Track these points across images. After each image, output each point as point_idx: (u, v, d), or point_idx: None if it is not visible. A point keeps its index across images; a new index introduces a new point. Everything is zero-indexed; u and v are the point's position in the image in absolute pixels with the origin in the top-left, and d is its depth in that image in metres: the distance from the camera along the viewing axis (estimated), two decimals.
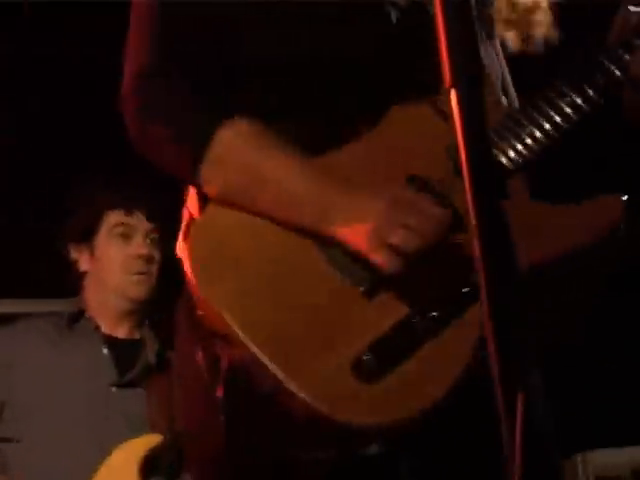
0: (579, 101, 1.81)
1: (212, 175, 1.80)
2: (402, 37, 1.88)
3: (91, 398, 3.26)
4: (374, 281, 1.72)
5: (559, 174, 2.04)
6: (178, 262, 1.84)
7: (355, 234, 1.71)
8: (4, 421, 3.24)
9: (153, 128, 1.84)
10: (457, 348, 1.69)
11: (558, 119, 1.80)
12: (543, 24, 1.98)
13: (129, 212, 3.42)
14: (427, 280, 1.73)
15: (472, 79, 1.22)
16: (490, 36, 1.94)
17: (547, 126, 1.80)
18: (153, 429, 3.20)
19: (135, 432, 3.20)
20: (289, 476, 1.74)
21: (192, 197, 1.91)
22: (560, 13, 2.01)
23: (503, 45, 2.00)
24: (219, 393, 1.72)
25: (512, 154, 1.79)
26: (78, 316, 3.42)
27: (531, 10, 1.96)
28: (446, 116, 1.82)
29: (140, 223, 3.43)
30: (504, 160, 1.79)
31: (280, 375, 1.62)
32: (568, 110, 1.81)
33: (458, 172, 1.69)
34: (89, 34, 3.89)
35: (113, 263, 3.41)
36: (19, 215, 4.05)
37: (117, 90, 1.92)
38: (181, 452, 3.03)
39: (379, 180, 1.79)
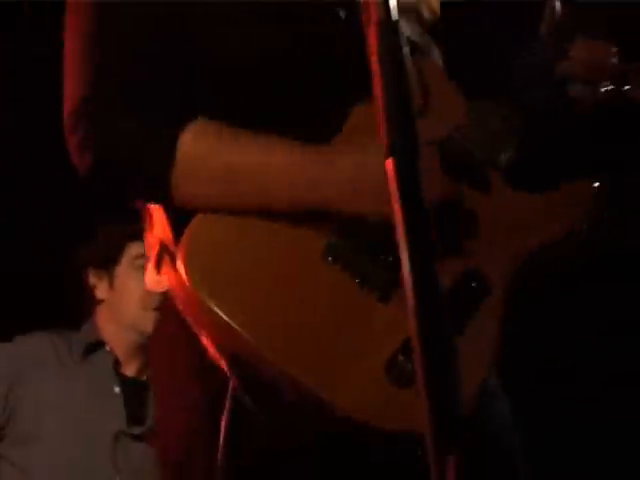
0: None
1: (186, 190, 1.75)
2: (351, 34, 1.88)
3: (98, 440, 3.24)
4: (387, 280, 1.71)
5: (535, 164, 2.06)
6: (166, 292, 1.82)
7: (355, 193, 1.70)
8: (7, 436, 3.23)
9: (109, 160, 1.78)
10: (480, 346, 1.71)
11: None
12: None
13: None
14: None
15: (409, 149, 1.22)
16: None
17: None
18: None
19: None
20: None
21: (159, 221, 1.87)
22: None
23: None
24: (224, 422, 1.70)
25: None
26: (97, 347, 3.39)
27: None
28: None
29: None
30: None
31: (315, 390, 1.61)
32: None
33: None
34: None
35: (131, 296, 3.37)
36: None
37: None
38: None
39: None
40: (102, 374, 3.35)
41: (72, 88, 1.83)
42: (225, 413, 1.70)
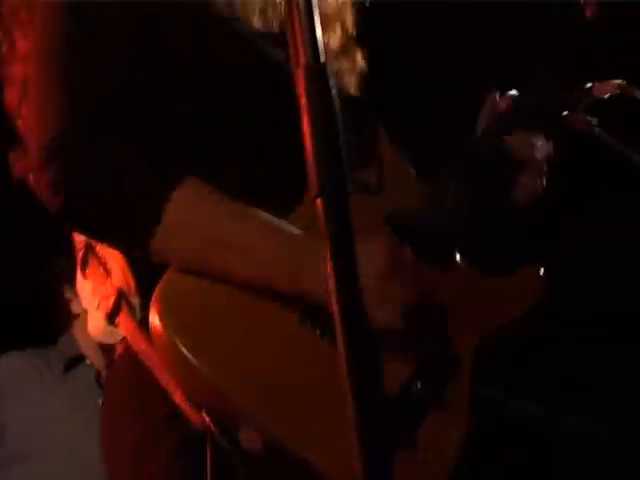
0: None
1: (167, 244, 1.71)
2: None
3: (87, 453, 3.24)
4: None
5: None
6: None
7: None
8: None
9: (85, 198, 1.72)
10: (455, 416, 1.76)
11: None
12: None
13: None
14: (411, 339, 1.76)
15: (338, 190, 1.23)
16: None
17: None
18: None
19: None
20: None
21: (118, 269, 1.85)
22: None
23: None
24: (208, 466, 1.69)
25: None
26: (77, 361, 3.40)
27: None
28: (368, 189, 1.86)
29: None
30: None
31: (302, 452, 1.64)
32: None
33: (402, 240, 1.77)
34: None
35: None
36: None
37: None
38: None
39: None
40: (85, 388, 3.37)
41: (44, 119, 1.76)
42: (208, 457, 1.69)
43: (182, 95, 1.81)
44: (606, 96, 1.82)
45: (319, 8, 1.95)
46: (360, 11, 2.07)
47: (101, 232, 1.77)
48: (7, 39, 1.92)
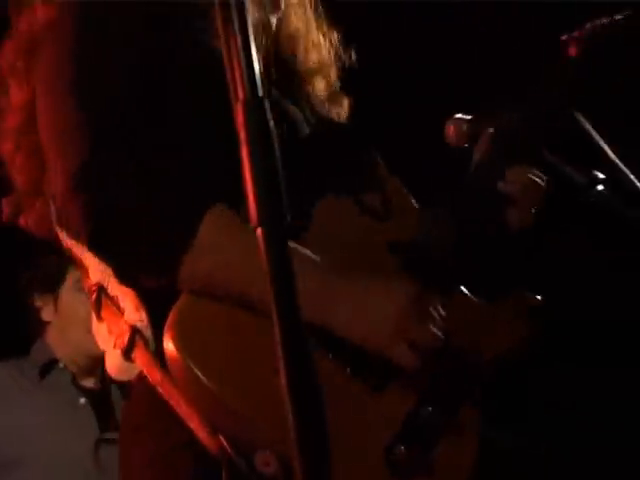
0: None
1: (195, 270, 1.73)
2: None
3: (79, 452, 3.28)
4: (382, 375, 1.76)
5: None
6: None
7: (368, 328, 1.73)
8: None
9: (115, 226, 1.73)
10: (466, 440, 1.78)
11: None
12: None
13: None
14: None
15: (277, 218, 1.27)
16: None
17: None
18: None
19: None
20: None
21: (131, 305, 1.87)
22: None
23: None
24: None
25: None
26: (51, 366, 3.43)
27: None
28: (373, 213, 1.90)
29: None
30: None
31: None
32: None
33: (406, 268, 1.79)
34: None
35: (77, 319, 3.42)
36: None
37: None
38: None
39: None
40: (63, 390, 3.41)
41: (65, 152, 1.78)
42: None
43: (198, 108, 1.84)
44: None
45: (303, 63, 2.05)
46: (343, 67, 2.15)
47: (131, 261, 1.77)
48: (2, 91, 1.95)
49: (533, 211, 1.96)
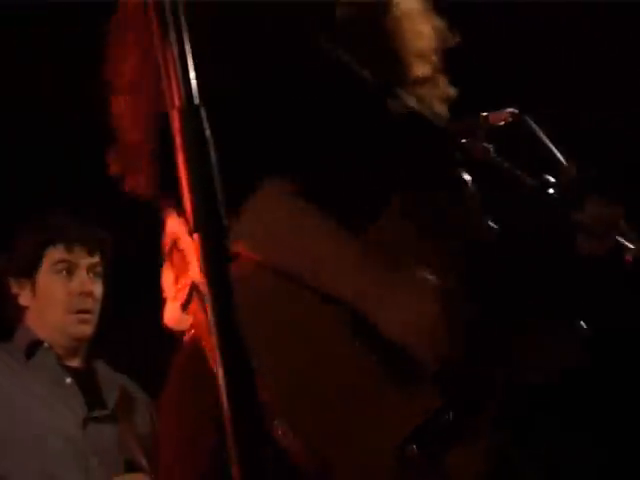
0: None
1: (252, 227, 1.80)
2: None
3: (68, 430, 3.31)
4: (407, 373, 1.78)
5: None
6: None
7: (403, 326, 1.76)
8: None
9: None
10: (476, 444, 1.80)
11: None
12: None
13: (70, 247, 3.46)
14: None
15: (215, 225, 1.28)
16: None
17: None
18: (131, 465, 3.26)
19: (112, 469, 3.26)
20: None
21: (194, 262, 1.92)
22: None
23: None
24: None
25: None
26: (35, 347, 3.47)
27: None
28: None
29: (82, 258, 3.48)
30: None
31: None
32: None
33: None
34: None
35: (55, 302, 3.44)
36: None
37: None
38: None
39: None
40: (49, 370, 3.44)
41: None
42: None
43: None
44: (501, 124, 1.85)
45: (414, 43, 2.06)
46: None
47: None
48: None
49: (608, 241, 1.95)
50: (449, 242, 1.88)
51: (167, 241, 2.04)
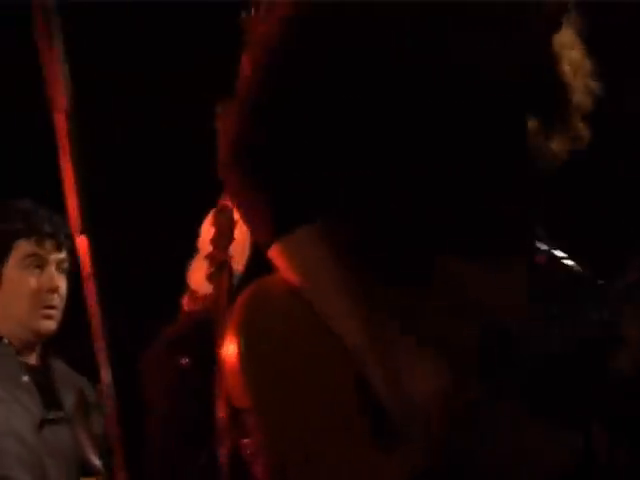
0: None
1: (284, 254, 1.72)
2: None
3: (22, 431, 3.29)
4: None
5: None
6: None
7: (397, 396, 1.71)
8: None
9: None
10: None
11: None
12: None
13: (41, 241, 3.41)
14: None
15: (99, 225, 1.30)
16: None
17: None
18: (86, 465, 3.25)
19: (67, 472, 3.24)
20: None
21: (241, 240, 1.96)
22: None
23: None
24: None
25: None
26: None
27: None
28: None
29: (51, 253, 3.43)
30: None
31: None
32: None
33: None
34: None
35: (21, 296, 3.40)
36: None
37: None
38: None
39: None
40: (7, 366, 3.40)
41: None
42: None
43: None
44: None
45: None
46: None
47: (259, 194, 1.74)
48: None
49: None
50: (470, 328, 1.87)
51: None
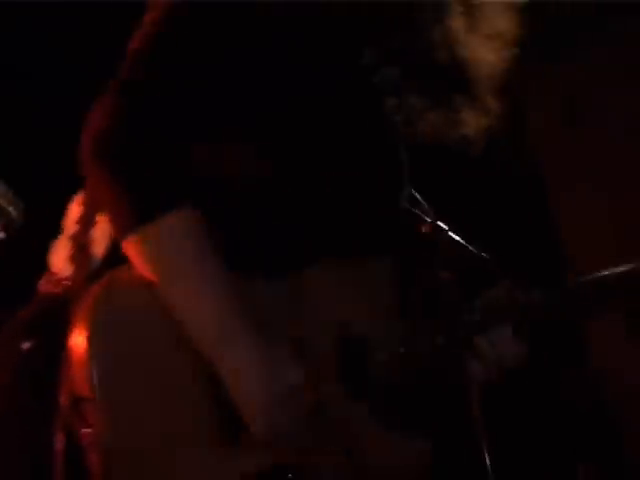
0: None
1: (141, 247, 1.74)
2: None
3: None
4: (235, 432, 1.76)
5: None
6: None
7: (248, 376, 1.74)
8: None
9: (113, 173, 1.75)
10: None
11: None
12: None
13: None
14: None
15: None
16: None
17: None
18: None
19: None
20: None
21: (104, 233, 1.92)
22: None
23: None
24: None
25: None
26: None
27: None
28: None
29: None
30: None
31: None
32: None
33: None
34: None
35: None
36: None
37: None
38: None
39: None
40: None
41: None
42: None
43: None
44: None
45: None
46: None
47: (125, 183, 1.75)
48: None
49: (497, 370, 1.92)
50: (323, 337, 1.88)
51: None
